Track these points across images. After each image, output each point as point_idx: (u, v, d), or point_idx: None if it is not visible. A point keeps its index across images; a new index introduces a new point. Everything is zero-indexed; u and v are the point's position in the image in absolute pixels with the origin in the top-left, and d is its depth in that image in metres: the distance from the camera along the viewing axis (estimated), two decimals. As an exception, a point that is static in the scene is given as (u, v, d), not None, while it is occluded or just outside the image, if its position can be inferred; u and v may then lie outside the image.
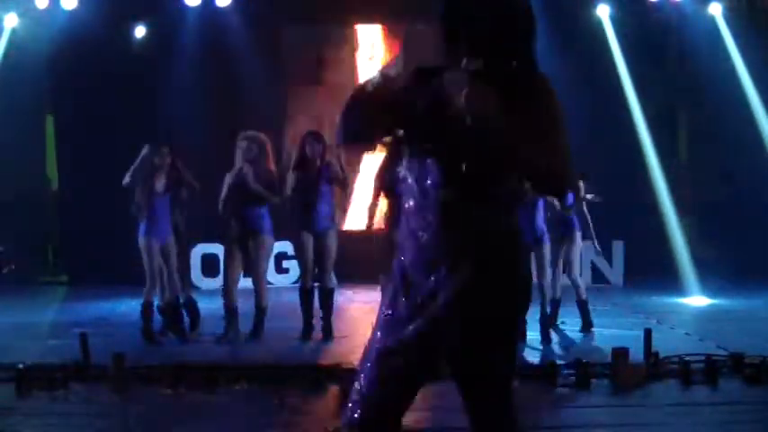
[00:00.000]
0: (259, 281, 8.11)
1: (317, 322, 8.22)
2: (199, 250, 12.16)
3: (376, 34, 13.14)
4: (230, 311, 8.00)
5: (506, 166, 2.75)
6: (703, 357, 6.69)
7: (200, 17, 12.60)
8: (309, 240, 8.11)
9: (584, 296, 8.49)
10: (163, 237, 7.92)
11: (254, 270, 8.12)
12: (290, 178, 8.09)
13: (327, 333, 8.16)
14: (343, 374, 6.30)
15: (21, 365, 6.42)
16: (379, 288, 8.15)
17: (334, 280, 8.27)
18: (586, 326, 8.45)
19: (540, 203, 8.12)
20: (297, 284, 8.66)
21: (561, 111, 2.81)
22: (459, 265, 2.76)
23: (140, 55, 12.77)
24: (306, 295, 8.21)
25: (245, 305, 8.24)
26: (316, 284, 8.23)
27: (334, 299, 8.36)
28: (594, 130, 11.41)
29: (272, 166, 8.06)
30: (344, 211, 12.44)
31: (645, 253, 12.09)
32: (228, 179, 7.98)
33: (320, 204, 8.07)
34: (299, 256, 8.34)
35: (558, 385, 6.37)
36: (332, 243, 8.14)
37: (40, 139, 13.86)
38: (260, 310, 8.08)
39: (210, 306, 8.89)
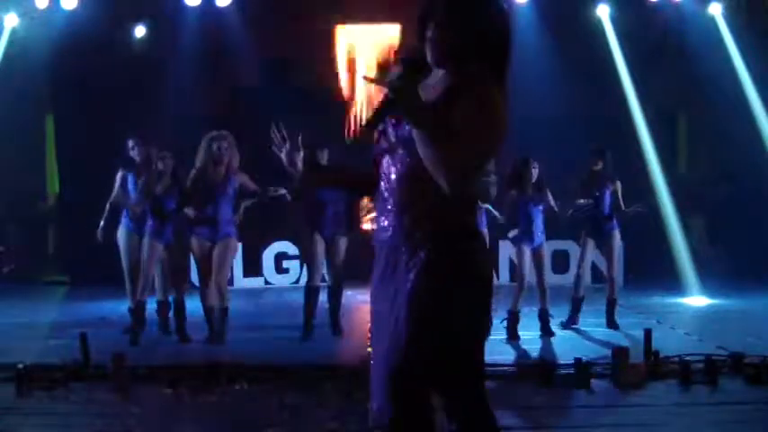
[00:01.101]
0: (224, 283, 8.09)
1: (318, 322, 8.24)
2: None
3: (377, 34, 13.13)
4: (210, 311, 8.01)
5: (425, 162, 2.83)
6: (703, 357, 6.69)
7: (201, 17, 12.59)
8: (320, 243, 8.17)
9: (615, 295, 8.60)
10: (167, 238, 7.97)
11: (220, 273, 8.04)
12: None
13: (336, 328, 8.27)
14: (343, 374, 6.32)
15: (21, 365, 6.42)
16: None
17: (342, 281, 8.32)
18: (611, 324, 8.53)
19: (542, 206, 8.24)
20: (296, 284, 8.68)
21: (483, 115, 2.84)
22: (413, 263, 2.88)
23: (140, 55, 12.77)
24: (312, 294, 8.24)
25: (245, 305, 8.26)
26: (323, 284, 8.31)
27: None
28: (594, 130, 11.41)
29: (237, 165, 8.06)
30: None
31: (645, 253, 12.08)
32: (194, 178, 7.95)
33: (330, 208, 8.12)
34: (308, 257, 8.40)
35: (558, 385, 6.37)
36: (342, 245, 8.22)
37: (40, 139, 13.87)
38: (223, 312, 8.02)
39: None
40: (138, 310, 8.01)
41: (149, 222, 7.95)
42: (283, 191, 7.78)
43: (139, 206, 8.06)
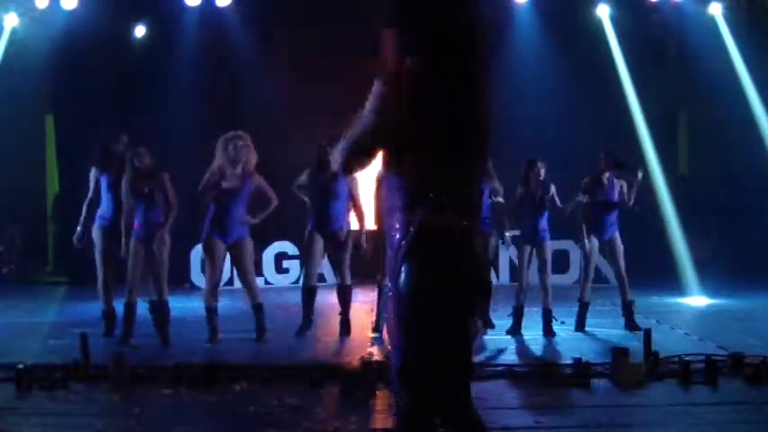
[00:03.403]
0: (252, 281, 8.15)
1: (317, 322, 8.25)
2: (199, 250, 12.15)
3: (376, 34, 13.12)
4: (212, 311, 8.02)
5: None
6: (703, 357, 6.69)
7: (200, 17, 12.61)
8: (320, 241, 8.17)
9: (629, 296, 8.60)
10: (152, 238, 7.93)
11: (245, 274, 8.12)
12: (304, 178, 8.19)
13: (345, 328, 8.24)
14: (343, 374, 6.32)
15: (21, 365, 6.42)
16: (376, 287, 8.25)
17: (349, 277, 8.30)
18: (632, 326, 8.43)
19: (546, 206, 8.30)
20: (296, 284, 8.69)
21: (369, 99, 2.94)
22: (406, 262, 2.91)
23: (140, 55, 12.78)
24: (308, 294, 8.27)
25: (245, 305, 8.25)
26: (319, 284, 8.34)
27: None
28: (594, 129, 11.43)
29: (254, 165, 8.05)
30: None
31: (645, 253, 12.09)
32: (216, 178, 7.94)
33: (335, 205, 8.13)
34: (307, 256, 8.39)
35: (558, 385, 6.37)
36: (344, 243, 8.20)
37: (40, 139, 13.87)
38: (258, 308, 8.09)
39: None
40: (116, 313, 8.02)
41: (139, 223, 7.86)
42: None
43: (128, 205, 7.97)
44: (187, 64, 12.34)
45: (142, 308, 8.06)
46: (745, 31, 12.54)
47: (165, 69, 12.37)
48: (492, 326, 8.51)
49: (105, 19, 12.19)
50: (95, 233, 8.29)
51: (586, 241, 8.53)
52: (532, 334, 8.23)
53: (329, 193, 8.13)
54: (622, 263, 8.65)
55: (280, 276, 12.41)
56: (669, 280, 11.55)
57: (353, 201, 8.22)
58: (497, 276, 11.92)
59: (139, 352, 7.34)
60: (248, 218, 8.02)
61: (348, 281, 8.28)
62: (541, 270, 8.41)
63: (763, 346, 7.22)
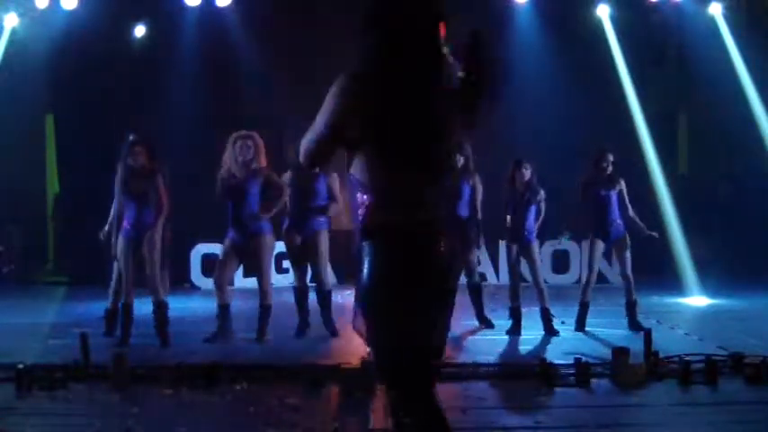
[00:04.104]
0: (262, 281, 8.11)
1: (317, 322, 8.24)
2: (199, 250, 12.17)
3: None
4: (223, 309, 8.00)
5: None
6: (703, 357, 6.69)
7: (200, 17, 12.62)
8: (299, 241, 8.15)
9: (633, 296, 8.51)
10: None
11: (258, 270, 8.11)
12: (287, 178, 8.17)
13: (332, 332, 8.20)
14: (343, 374, 6.32)
15: (21, 365, 6.42)
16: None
17: (329, 281, 8.25)
18: (634, 326, 8.34)
19: (533, 207, 8.27)
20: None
21: (329, 95, 3.00)
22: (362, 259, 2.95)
23: (140, 55, 12.78)
24: (300, 295, 8.27)
25: (245, 304, 8.23)
26: (312, 284, 8.30)
27: (333, 299, 8.41)
28: (594, 130, 11.42)
29: (265, 164, 8.04)
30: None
31: (645, 253, 12.08)
32: (224, 179, 7.95)
33: (312, 204, 8.10)
34: (291, 258, 8.39)
35: (558, 385, 6.37)
36: (321, 244, 8.15)
37: (40, 139, 13.88)
38: (265, 309, 8.08)
39: (211, 306, 8.86)
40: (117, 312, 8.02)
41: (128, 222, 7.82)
42: None
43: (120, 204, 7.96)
44: (187, 64, 12.34)
45: (141, 308, 8.06)
46: (745, 31, 12.55)
47: (165, 69, 12.37)
48: (492, 326, 8.52)
49: (105, 19, 12.20)
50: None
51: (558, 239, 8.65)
52: (532, 334, 8.22)
53: (308, 191, 8.09)
54: (629, 262, 8.54)
55: (280, 276, 12.40)
56: (669, 280, 11.56)
57: (332, 199, 8.19)
58: (497, 276, 11.92)
59: (139, 352, 7.33)
60: (263, 213, 7.95)
61: (326, 287, 8.24)
62: (532, 270, 8.41)
63: (763, 346, 7.23)
